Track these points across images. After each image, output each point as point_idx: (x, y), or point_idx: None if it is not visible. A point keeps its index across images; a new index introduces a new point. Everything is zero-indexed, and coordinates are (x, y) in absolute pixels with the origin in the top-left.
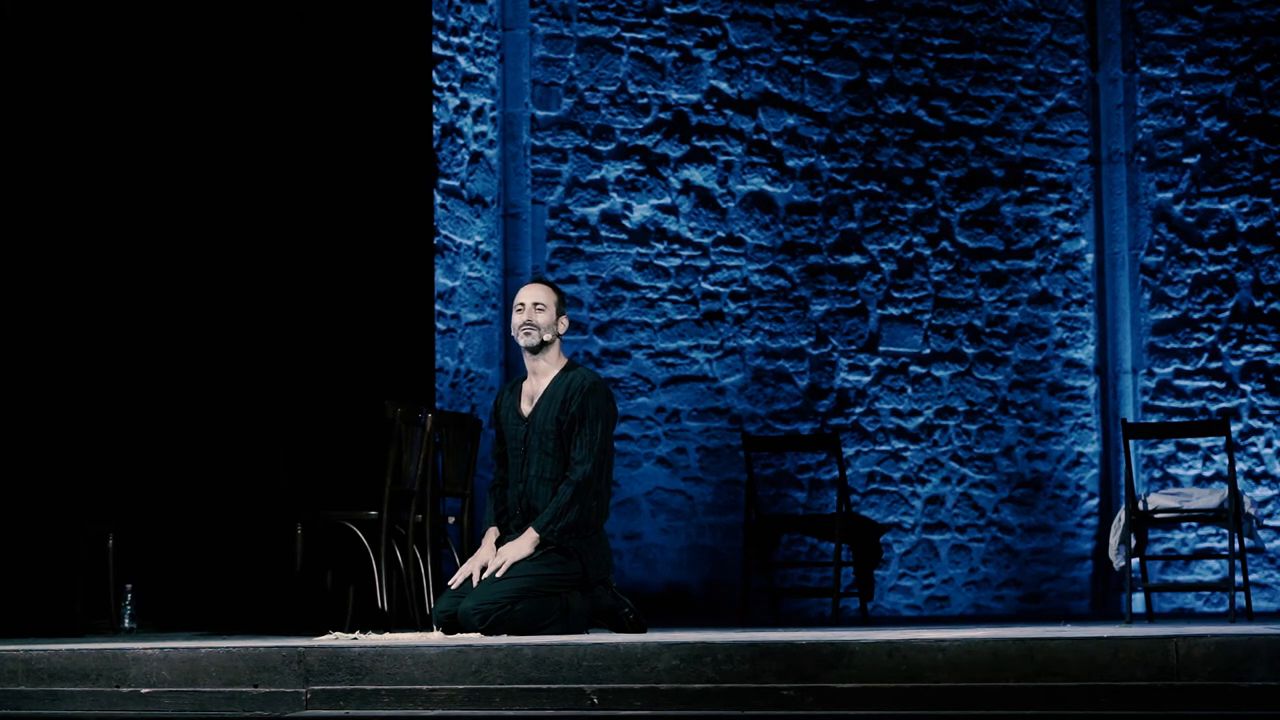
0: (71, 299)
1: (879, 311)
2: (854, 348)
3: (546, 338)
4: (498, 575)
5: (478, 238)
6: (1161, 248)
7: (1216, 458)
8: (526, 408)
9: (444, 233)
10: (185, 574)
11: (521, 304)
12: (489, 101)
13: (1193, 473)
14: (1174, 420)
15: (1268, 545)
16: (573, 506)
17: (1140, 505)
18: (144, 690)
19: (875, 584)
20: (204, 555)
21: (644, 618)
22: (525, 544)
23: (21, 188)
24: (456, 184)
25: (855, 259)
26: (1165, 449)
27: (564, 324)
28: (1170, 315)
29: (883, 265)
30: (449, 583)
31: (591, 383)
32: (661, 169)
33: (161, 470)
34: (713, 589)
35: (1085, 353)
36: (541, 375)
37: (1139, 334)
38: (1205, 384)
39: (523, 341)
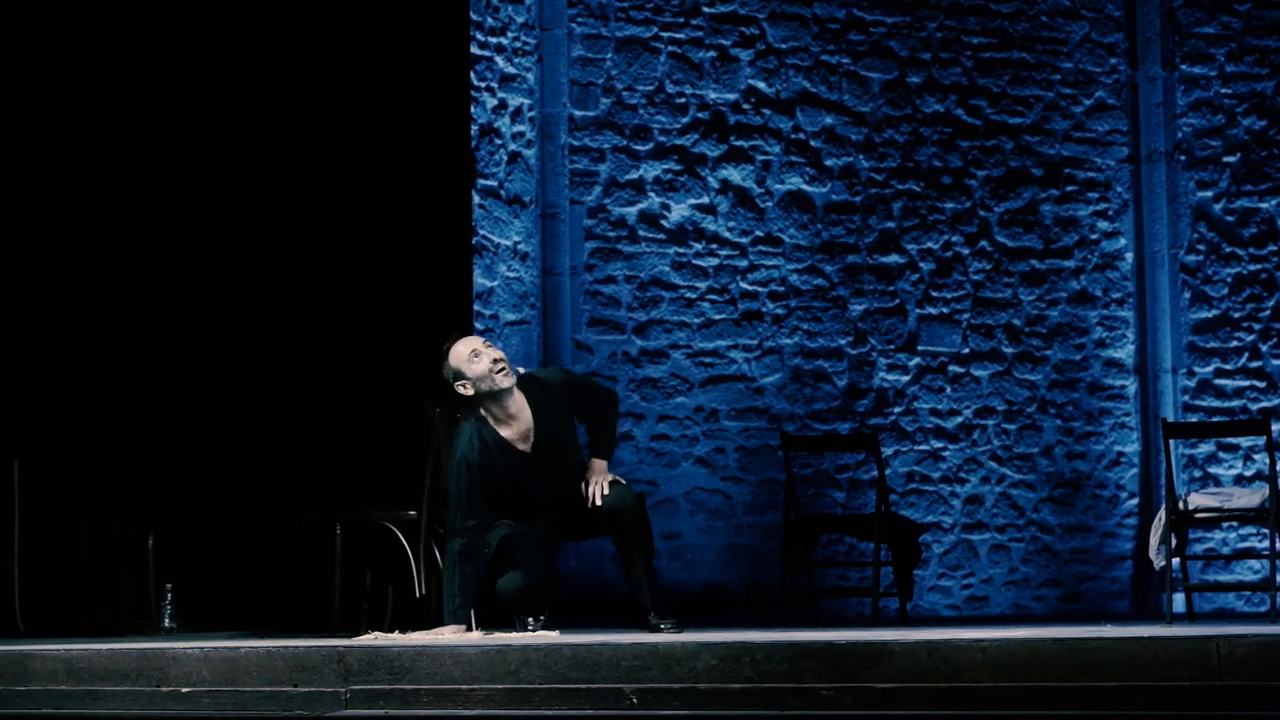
0: (112, 301)
1: (918, 311)
2: (893, 347)
3: (519, 370)
4: (605, 492)
5: (516, 238)
6: (1201, 246)
7: (1257, 457)
8: (526, 446)
9: (482, 233)
10: (225, 573)
11: (475, 351)
12: (527, 101)
13: (1233, 472)
14: (1214, 420)
15: None
16: (615, 425)
17: (1180, 505)
18: (184, 690)
19: (914, 584)
20: (243, 555)
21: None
22: (602, 468)
23: (67, 192)
24: (494, 184)
25: (894, 258)
26: (1205, 448)
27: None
28: (1210, 314)
29: (921, 265)
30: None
31: (549, 378)
32: (699, 168)
33: (201, 470)
34: (751, 589)
35: (1125, 352)
36: (519, 411)
37: (1179, 333)
38: (1246, 383)
39: (504, 383)
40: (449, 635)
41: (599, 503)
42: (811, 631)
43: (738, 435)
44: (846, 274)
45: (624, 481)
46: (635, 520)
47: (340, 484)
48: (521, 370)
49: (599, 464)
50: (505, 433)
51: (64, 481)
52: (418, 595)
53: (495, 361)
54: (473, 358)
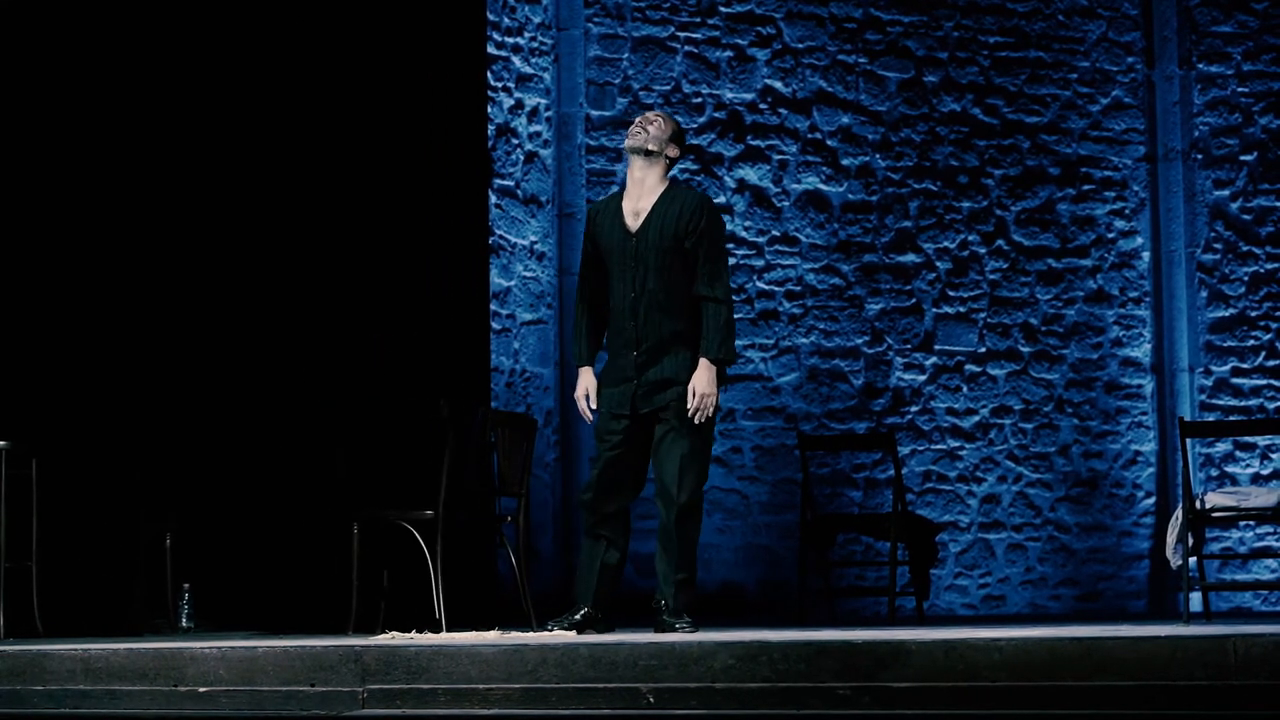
0: (128, 299)
1: (934, 310)
2: (909, 346)
3: (652, 147)
4: (699, 419)
5: (533, 237)
6: (1218, 245)
7: (1274, 456)
8: (633, 223)
9: (499, 233)
10: (242, 573)
11: (643, 111)
12: (544, 101)
13: (1250, 471)
14: (1231, 419)
15: None
16: (731, 323)
17: (1197, 504)
18: (201, 689)
19: (931, 583)
20: (261, 554)
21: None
22: (711, 374)
23: (82, 194)
24: (511, 184)
25: (910, 258)
26: (1223, 447)
27: (674, 150)
28: (1227, 313)
29: (938, 264)
30: (590, 411)
31: (702, 198)
32: (716, 168)
33: (219, 469)
34: (768, 588)
35: (1142, 351)
36: (647, 191)
37: (1196, 332)
38: (1263, 382)
39: (629, 141)
40: (585, 379)
41: (698, 421)
42: (828, 631)
43: (754, 435)
44: (863, 273)
45: (707, 424)
46: (668, 526)
47: (358, 483)
48: (653, 149)
49: (705, 368)
50: (626, 202)
51: (81, 480)
52: (434, 598)
53: (637, 125)
54: (636, 114)
